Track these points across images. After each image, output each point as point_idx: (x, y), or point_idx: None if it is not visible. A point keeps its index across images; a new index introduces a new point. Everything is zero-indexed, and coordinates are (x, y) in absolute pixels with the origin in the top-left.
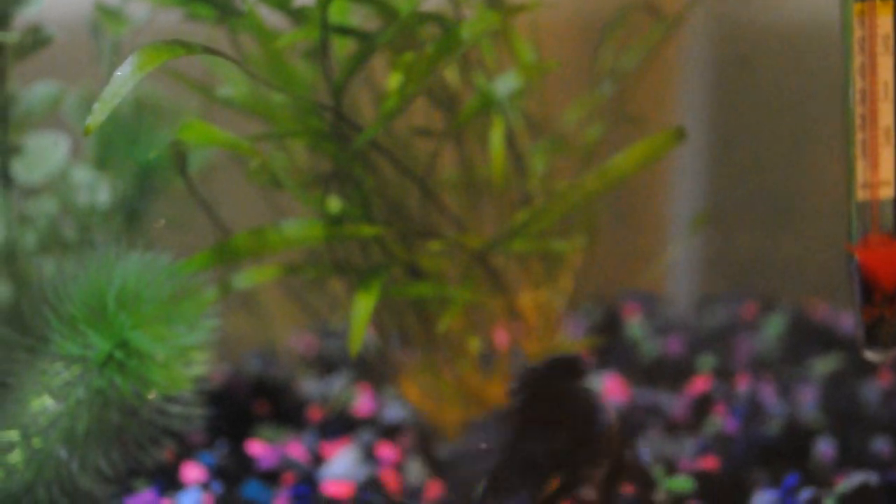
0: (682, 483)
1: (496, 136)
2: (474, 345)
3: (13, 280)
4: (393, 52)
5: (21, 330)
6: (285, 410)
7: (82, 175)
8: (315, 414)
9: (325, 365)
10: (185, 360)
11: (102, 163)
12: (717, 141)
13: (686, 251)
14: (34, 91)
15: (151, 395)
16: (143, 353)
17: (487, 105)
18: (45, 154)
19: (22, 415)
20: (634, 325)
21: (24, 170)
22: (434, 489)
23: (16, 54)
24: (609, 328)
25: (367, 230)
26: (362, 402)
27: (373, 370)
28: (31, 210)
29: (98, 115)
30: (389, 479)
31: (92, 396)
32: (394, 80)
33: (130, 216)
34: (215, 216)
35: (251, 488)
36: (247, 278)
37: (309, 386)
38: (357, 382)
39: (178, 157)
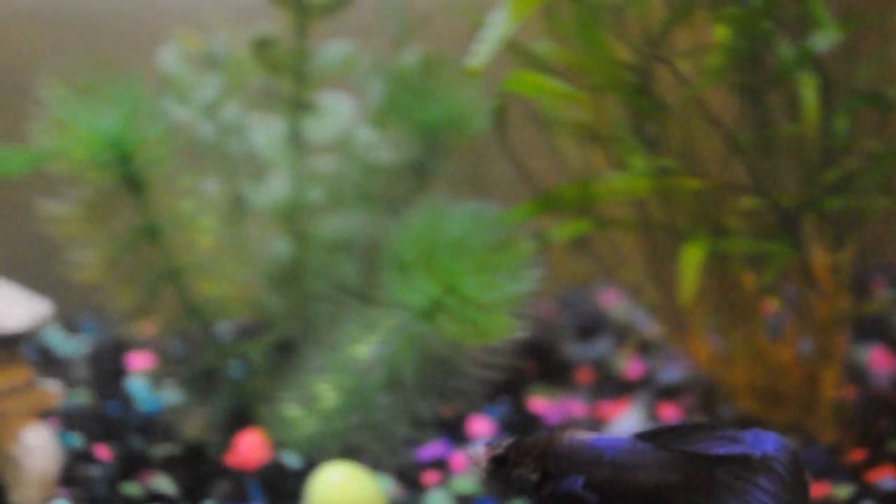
0: None
1: (809, 94)
2: (773, 306)
3: (295, 236)
4: (709, 6)
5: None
6: (553, 371)
7: (367, 134)
8: (584, 375)
9: (589, 327)
10: (509, 308)
11: (383, 122)
12: None
13: None
14: (329, 49)
15: (479, 342)
16: (470, 300)
17: (803, 62)
18: (332, 113)
19: (343, 361)
20: None
21: (314, 128)
22: None
23: (318, 12)
24: None
25: (691, 183)
26: (632, 364)
27: (648, 331)
28: (318, 168)
29: (480, 56)
30: None
31: (416, 342)
32: (720, 33)
33: (419, 173)
34: (524, 169)
35: None
36: (563, 230)
37: (573, 348)
38: (621, 346)
39: (497, 112)
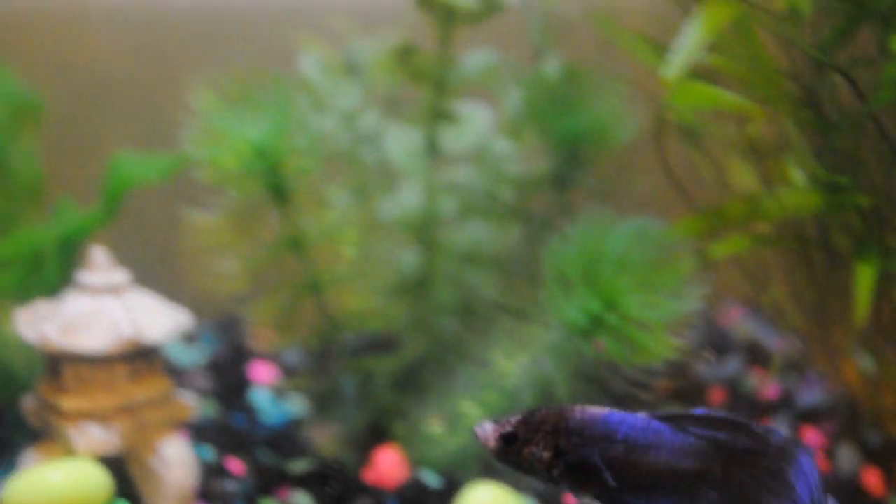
0: None
1: None
2: None
3: (426, 247)
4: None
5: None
6: (685, 391)
7: (503, 145)
8: (717, 395)
9: (720, 346)
10: (669, 328)
11: (520, 132)
12: None
13: None
14: (472, 58)
15: (637, 362)
16: (631, 318)
17: None
18: (469, 122)
19: (491, 377)
20: None
21: (450, 138)
22: (868, 475)
23: (465, 20)
24: None
25: (863, 199)
26: (768, 386)
27: (783, 353)
28: (452, 178)
29: (675, 67)
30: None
31: (570, 360)
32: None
33: (558, 185)
34: (680, 185)
35: None
36: (723, 248)
37: (703, 367)
38: (751, 365)
39: (660, 124)
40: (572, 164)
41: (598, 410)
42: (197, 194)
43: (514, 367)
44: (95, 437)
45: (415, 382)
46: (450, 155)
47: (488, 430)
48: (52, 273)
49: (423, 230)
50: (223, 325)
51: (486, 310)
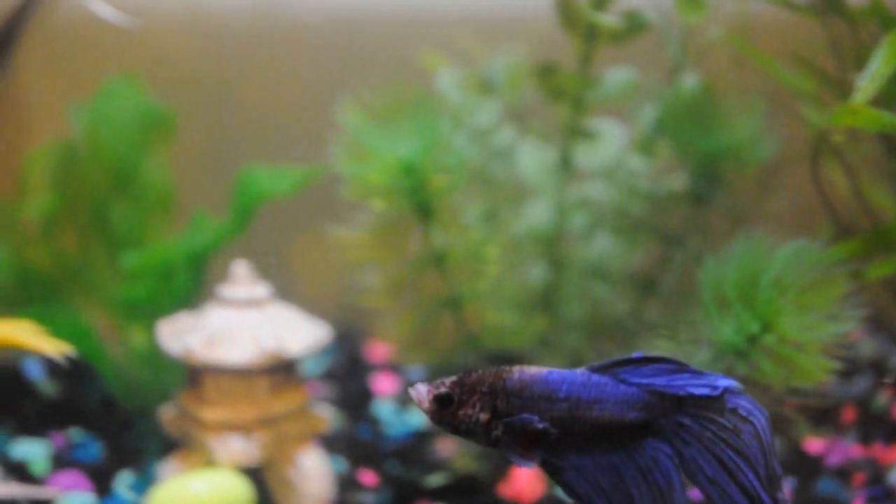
0: None
1: None
2: None
3: (556, 262)
4: None
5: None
6: (816, 410)
7: (637, 162)
8: (848, 414)
9: (850, 366)
10: (824, 349)
11: (653, 149)
12: None
13: None
14: (612, 76)
15: (796, 383)
16: (789, 339)
17: None
18: (604, 139)
19: None
20: None
21: (585, 154)
22: None
23: (608, 38)
24: None
25: None
26: None
27: None
28: (583, 194)
29: (866, 92)
30: None
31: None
32: None
33: (695, 203)
34: (831, 206)
35: (826, 484)
36: (878, 270)
37: (831, 386)
38: (882, 385)
39: (818, 144)
40: (709, 181)
41: (536, 370)
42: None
43: None
44: (236, 447)
45: None
46: (582, 171)
47: (422, 392)
48: (182, 285)
49: (553, 245)
50: (339, 335)
51: (618, 326)
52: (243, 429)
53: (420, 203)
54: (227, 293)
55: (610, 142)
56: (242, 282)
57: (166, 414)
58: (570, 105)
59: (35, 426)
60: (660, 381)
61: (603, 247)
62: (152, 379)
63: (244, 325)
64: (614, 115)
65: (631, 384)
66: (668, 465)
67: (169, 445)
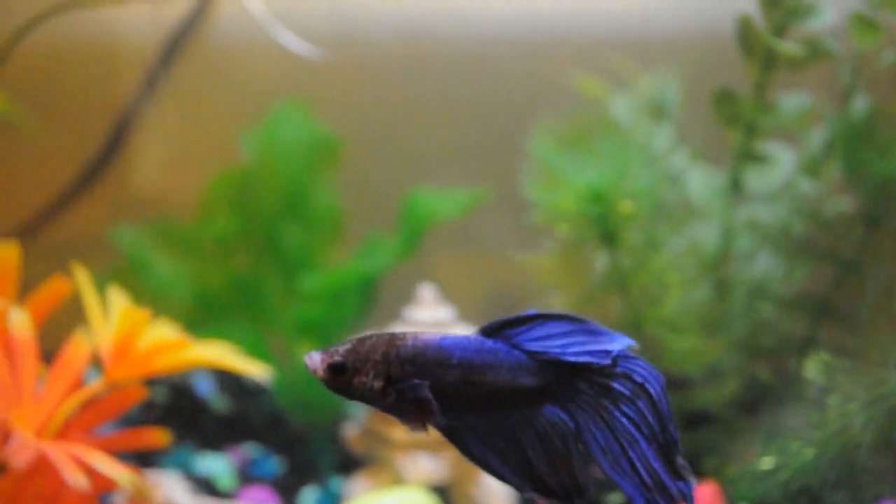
0: None
1: None
2: None
3: (719, 283)
4: None
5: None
6: None
7: (808, 185)
8: None
9: None
10: None
11: (823, 172)
12: None
13: None
14: (788, 102)
15: None
16: None
17: None
18: (775, 163)
19: (826, 418)
20: None
21: (755, 178)
22: None
23: (787, 65)
24: None
25: None
26: None
27: None
28: (751, 217)
29: None
30: None
31: None
32: None
33: (869, 225)
34: None
35: None
36: None
37: None
38: None
39: None
40: (883, 204)
41: (430, 336)
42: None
43: (854, 408)
44: (425, 466)
45: (727, 419)
46: (752, 194)
47: (317, 360)
48: (353, 306)
49: (718, 267)
50: None
51: (785, 346)
52: (431, 448)
53: (606, 229)
54: (414, 315)
55: (780, 165)
56: (428, 305)
57: (351, 432)
58: (744, 130)
59: (214, 442)
60: (554, 347)
61: (767, 267)
62: (319, 396)
63: None
64: (782, 137)
65: (524, 350)
66: (564, 431)
67: (344, 461)
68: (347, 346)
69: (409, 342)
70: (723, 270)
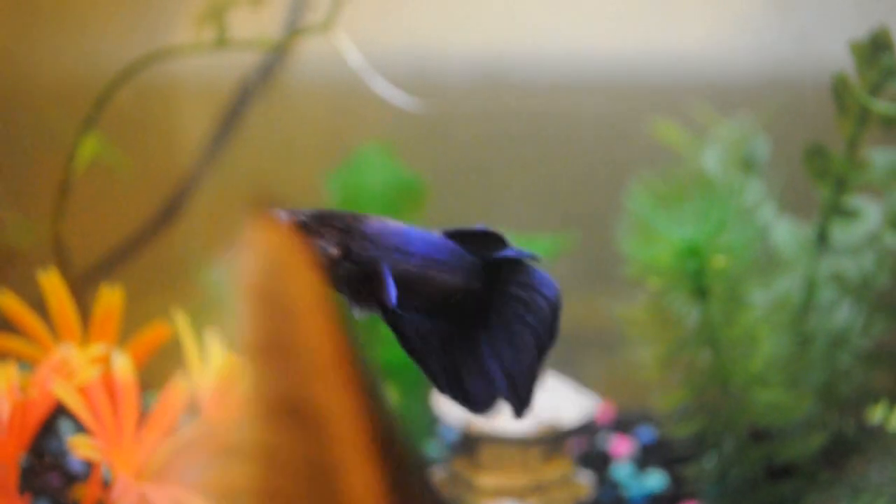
0: None
1: None
2: None
3: (800, 334)
4: None
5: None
6: None
7: (892, 238)
8: None
9: None
10: None
11: None
12: None
13: None
14: (880, 158)
15: None
16: None
17: None
18: (861, 217)
19: None
20: None
21: (841, 231)
22: None
23: (880, 123)
24: None
25: None
26: None
27: None
28: (834, 268)
29: None
30: None
31: None
32: None
33: None
34: None
35: None
36: None
37: None
38: None
39: None
40: None
41: (395, 222)
42: None
43: None
44: None
45: (811, 472)
46: (837, 246)
47: (282, 217)
48: None
49: (801, 319)
50: None
51: (864, 396)
52: (516, 494)
53: (699, 283)
54: None
55: (866, 218)
56: None
57: (436, 476)
58: (833, 184)
59: None
60: (486, 252)
61: (848, 318)
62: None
63: None
64: (868, 190)
65: (479, 255)
66: (485, 337)
67: None
68: (314, 210)
69: (374, 221)
70: (806, 322)
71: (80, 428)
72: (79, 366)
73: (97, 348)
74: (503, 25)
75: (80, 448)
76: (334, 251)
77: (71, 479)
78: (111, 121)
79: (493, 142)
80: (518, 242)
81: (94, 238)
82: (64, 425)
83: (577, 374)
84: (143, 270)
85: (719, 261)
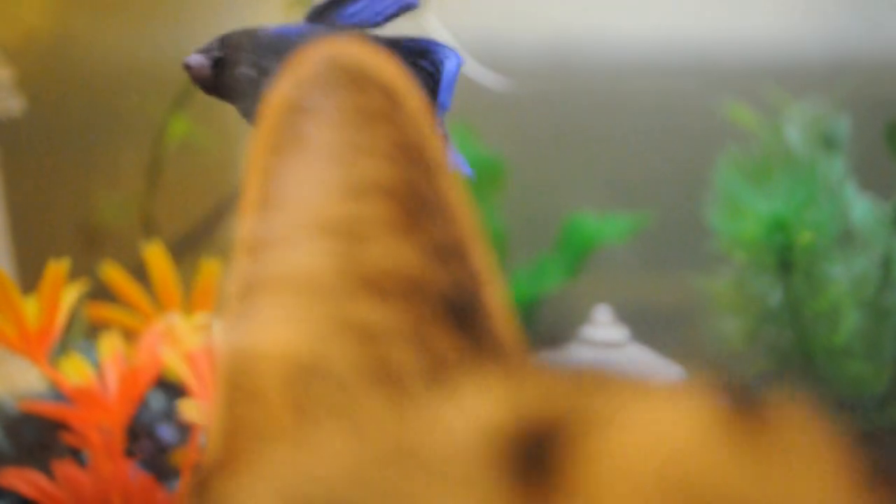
0: None
1: None
2: None
3: (877, 310)
4: None
5: None
6: None
7: None
8: None
9: None
10: None
11: None
12: None
13: None
14: None
15: None
16: None
17: None
18: None
19: None
20: None
21: None
22: None
23: None
24: None
25: None
26: None
27: None
28: None
29: None
30: None
31: None
32: None
33: None
34: None
35: None
36: None
37: None
38: None
39: None
40: None
41: (273, 26)
42: None
43: None
44: None
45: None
46: None
47: (199, 59)
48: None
49: (877, 294)
50: None
51: None
52: None
53: (785, 258)
54: (590, 334)
55: None
56: (604, 325)
57: None
58: None
59: None
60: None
61: None
62: None
63: (605, 365)
64: None
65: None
66: None
67: None
68: (215, 42)
69: (266, 31)
70: (883, 298)
71: (170, 398)
72: (184, 334)
73: (200, 317)
74: (577, 8)
75: (188, 411)
76: (253, 73)
77: (162, 447)
78: (200, 101)
79: (572, 121)
80: (599, 221)
81: (180, 215)
82: (153, 397)
83: (661, 347)
84: (226, 246)
85: (805, 236)
